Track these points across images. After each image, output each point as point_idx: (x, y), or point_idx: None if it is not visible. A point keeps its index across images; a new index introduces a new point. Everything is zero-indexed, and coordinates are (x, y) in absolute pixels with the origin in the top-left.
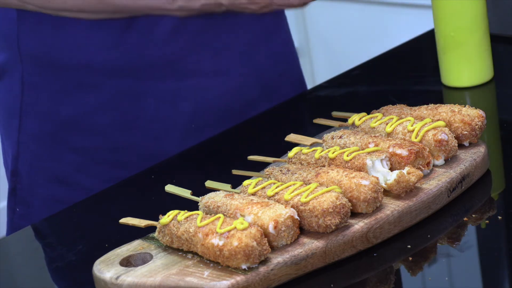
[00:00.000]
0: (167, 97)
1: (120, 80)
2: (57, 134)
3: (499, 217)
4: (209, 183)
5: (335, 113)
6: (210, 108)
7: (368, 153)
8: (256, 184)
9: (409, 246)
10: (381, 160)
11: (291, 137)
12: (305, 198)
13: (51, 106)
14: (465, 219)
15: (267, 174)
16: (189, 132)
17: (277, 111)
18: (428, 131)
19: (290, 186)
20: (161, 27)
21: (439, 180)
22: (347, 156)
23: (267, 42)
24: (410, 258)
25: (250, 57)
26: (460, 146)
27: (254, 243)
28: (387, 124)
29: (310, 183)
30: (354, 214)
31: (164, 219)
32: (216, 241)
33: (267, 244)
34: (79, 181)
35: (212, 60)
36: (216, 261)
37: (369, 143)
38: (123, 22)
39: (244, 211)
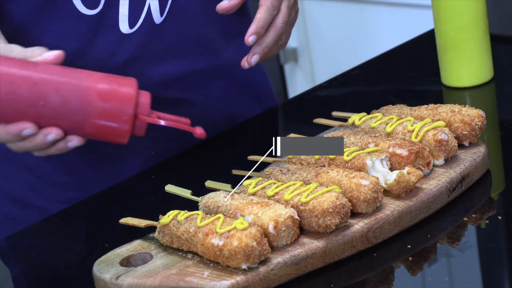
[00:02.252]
0: None
1: None
2: (11, 153)
3: (499, 217)
4: (209, 183)
5: (335, 113)
6: (171, 135)
7: (368, 153)
8: (256, 184)
9: (409, 246)
10: (381, 160)
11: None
12: (305, 198)
13: None
14: (465, 219)
15: (267, 174)
16: (149, 158)
17: (277, 111)
18: (428, 131)
19: (290, 186)
20: (116, 58)
21: (439, 180)
22: (347, 156)
23: (230, 71)
24: (410, 258)
25: (211, 85)
26: (460, 146)
27: (254, 243)
28: (387, 124)
29: (310, 183)
30: (354, 214)
31: (164, 219)
32: (216, 241)
33: (267, 244)
34: (32, 201)
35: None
36: (216, 261)
37: (369, 143)
38: (81, 50)
39: (244, 211)
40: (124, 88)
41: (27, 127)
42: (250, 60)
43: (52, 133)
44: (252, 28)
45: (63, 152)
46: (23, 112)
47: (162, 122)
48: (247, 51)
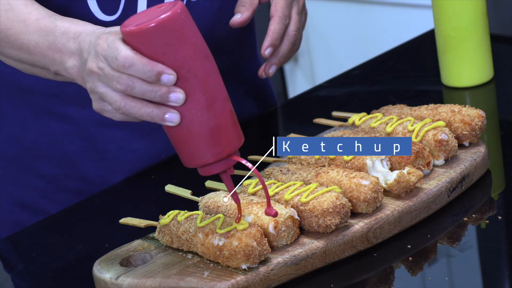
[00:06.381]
0: (139, 128)
1: (92, 110)
2: (22, 159)
3: (499, 217)
4: (209, 183)
5: (335, 113)
6: None
7: None
8: (256, 184)
9: (409, 246)
10: (381, 160)
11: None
12: (305, 198)
13: (17, 131)
14: (465, 219)
15: (267, 174)
16: (159, 162)
17: (277, 111)
18: (428, 131)
19: (290, 186)
20: None
21: (439, 180)
22: (347, 156)
23: (235, 71)
24: (410, 258)
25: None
26: (460, 146)
27: (254, 243)
28: (387, 124)
29: (310, 183)
30: (354, 214)
31: (164, 219)
32: (216, 241)
33: (267, 244)
34: (43, 208)
35: None
36: (216, 261)
37: None
38: None
39: (244, 211)
40: (240, 134)
41: (173, 74)
42: (268, 71)
43: (171, 76)
44: (267, 40)
45: (156, 118)
46: (179, 64)
47: (250, 165)
48: (252, 52)
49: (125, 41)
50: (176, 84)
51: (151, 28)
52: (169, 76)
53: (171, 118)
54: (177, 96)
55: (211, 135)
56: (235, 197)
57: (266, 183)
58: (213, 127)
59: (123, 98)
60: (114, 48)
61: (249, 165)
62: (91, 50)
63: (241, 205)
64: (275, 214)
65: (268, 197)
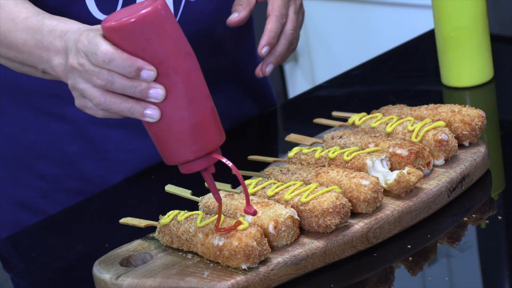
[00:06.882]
0: (138, 127)
1: None
2: (22, 159)
3: (499, 217)
4: None
5: (335, 113)
6: None
7: (368, 153)
8: (256, 184)
9: (409, 246)
10: (381, 160)
11: (291, 137)
12: (305, 198)
13: (17, 131)
14: (465, 219)
15: (267, 174)
16: (159, 162)
17: (277, 111)
18: (428, 131)
19: (290, 186)
20: None
21: (439, 180)
22: (347, 156)
23: (235, 71)
24: (410, 258)
25: (218, 86)
26: (460, 146)
27: (254, 243)
28: (387, 124)
29: (310, 183)
30: (354, 214)
31: (164, 219)
32: (216, 241)
33: (267, 244)
34: (43, 208)
35: None
36: (216, 261)
37: (369, 143)
38: None
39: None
40: (221, 132)
41: (153, 70)
42: (264, 70)
43: (151, 72)
44: (264, 39)
45: (136, 114)
46: (159, 60)
47: (230, 164)
48: (251, 51)
49: (105, 37)
50: (156, 80)
51: (131, 23)
52: (149, 72)
53: (151, 114)
54: (157, 92)
55: (192, 132)
56: (216, 196)
57: (266, 183)
58: (193, 124)
59: (103, 93)
60: (94, 43)
61: (229, 163)
62: (72, 47)
63: (241, 205)
64: (254, 213)
65: (247, 196)
